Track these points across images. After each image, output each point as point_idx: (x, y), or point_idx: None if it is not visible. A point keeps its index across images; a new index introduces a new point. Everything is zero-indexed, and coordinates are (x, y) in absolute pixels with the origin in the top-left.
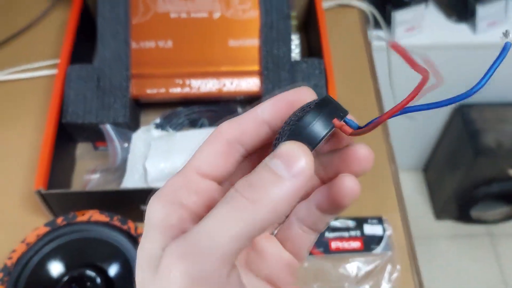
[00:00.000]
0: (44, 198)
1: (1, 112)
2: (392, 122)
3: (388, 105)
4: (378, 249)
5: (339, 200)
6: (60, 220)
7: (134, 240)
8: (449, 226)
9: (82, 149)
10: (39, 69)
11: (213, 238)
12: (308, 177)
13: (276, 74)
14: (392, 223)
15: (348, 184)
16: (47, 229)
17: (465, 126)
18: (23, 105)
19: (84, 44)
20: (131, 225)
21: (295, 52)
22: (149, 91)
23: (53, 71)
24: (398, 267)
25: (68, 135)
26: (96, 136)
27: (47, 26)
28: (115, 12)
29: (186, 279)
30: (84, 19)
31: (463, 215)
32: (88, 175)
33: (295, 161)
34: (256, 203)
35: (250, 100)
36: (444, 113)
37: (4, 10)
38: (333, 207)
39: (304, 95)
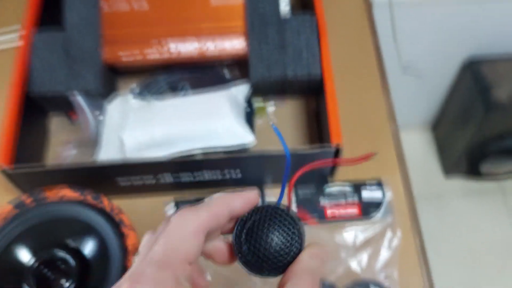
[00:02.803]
0: (10, 176)
1: None
2: (399, 81)
3: (390, 63)
4: (378, 215)
5: None
6: (25, 197)
7: (109, 217)
8: (460, 184)
9: (57, 122)
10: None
11: None
12: None
13: (262, 32)
14: (393, 185)
15: None
16: (13, 210)
17: (475, 82)
18: None
19: (53, 7)
20: (105, 202)
21: (286, 9)
22: (122, 54)
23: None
24: (398, 233)
25: (38, 108)
26: (69, 108)
27: None
28: None
29: None
30: None
31: (473, 170)
32: (62, 148)
33: None
34: None
35: (237, 64)
36: (452, 69)
37: None
38: None
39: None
